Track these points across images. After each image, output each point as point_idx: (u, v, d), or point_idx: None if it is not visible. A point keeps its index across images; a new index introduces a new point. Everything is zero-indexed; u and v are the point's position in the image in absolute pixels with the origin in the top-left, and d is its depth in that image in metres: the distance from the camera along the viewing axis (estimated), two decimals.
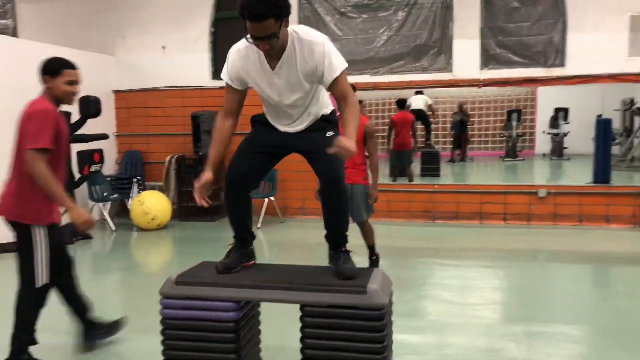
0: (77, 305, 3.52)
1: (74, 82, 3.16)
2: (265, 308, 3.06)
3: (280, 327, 3.30)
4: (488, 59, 7.51)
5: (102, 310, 3.85)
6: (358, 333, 2.51)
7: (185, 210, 8.18)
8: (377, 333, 2.49)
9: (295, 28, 2.54)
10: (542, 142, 15.19)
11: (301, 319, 2.58)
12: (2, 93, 6.57)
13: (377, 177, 4.80)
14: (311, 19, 7.97)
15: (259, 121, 2.90)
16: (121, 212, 8.40)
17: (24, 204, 3.04)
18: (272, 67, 2.56)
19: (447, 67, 7.61)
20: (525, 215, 7.41)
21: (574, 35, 7.16)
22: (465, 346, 3.56)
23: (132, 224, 7.60)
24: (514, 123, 14.22)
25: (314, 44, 2.49)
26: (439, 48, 7.63)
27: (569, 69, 7.22)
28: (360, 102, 10.09)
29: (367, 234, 4.87)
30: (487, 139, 15.71)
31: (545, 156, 14.66)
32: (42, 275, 3.08)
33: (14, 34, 9.20)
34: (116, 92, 8.77)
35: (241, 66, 2.61)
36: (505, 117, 14.75)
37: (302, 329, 2.58)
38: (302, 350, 2.59)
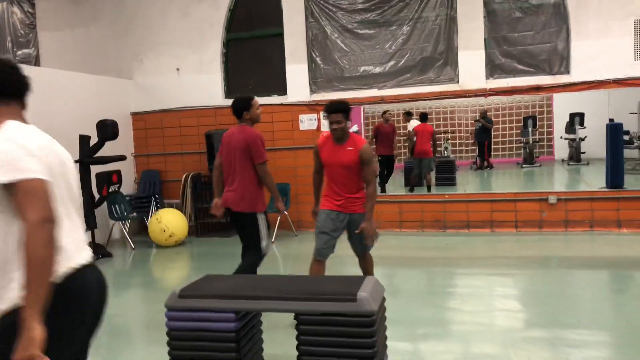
0: None
1: (259, 107, 4.59)
2: (272, 319, 3.22)
3: (285, 337, 3.44)
4: (494, 69, 7.60)
5: (123, 323, 4.06)
6: (349, 339, 2.65)
7: (201, 227, 8.42)
8: (368, 339, 2.63)
9: None
10: (561, 148, 15.11)
11: (296, 327, 2.73)
12: (28, 121, 6.91)
13: (373, 206, 4.16)
14: (319, 37, 8.20)
15: None
16: (141, 230, 8.67)
17: (250, 199, 4.37)
18: None
19: (454, 78, 7.73)
20: (537, 222, 7.44)
21: (579, 42, 7.22)
22: (483, 354, 3.64)
23: (151, 242, 7.85)
24: (530, 129, 14.20)
25: None
26: (444, 60, 7.76)
27: (575, 76, 7.27)
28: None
29: (368, 265, 4.45)
30: (504, 145, 15.69)
31: (563, 162, 14.57)
32: (265, 244, 4.42)
33: (36, 62, 9.65)
34: (134, 114, 9.10)
35: None
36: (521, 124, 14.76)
37: (297, 337, 2.73)
38: (298, 358, 2.74)
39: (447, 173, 10.84)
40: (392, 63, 7.97)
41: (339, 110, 4.05)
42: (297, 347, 2.73)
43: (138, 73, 9.07)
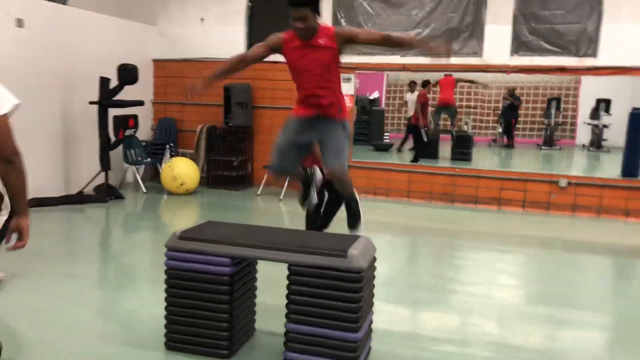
0: None
1: None
2: (268, 271, 3.34)
3: (278, 289, 3.56)
4: (519, 46, 7.47)
5: (129, 262, 4.23)
6: (337, 293, 2.75)
7: (213, 178, 8.56)
8: (354, 294, 2.73)
9: None
10: (584, 133, 14.86)
11: (287, 277, 2.84)
12: (52, 59, 7.02)
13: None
14: (346, 0, 8.10)
15: None
16: (154, 176, 8.84)
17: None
18: None
19: (478, 52, 7.62)
20: (545, 204, 7.44)
21: (610, 25, 7.04)
22: (470, 323, 3.74)
23: (163, 188, 8.02)
24: (553, 111, 13.98)
25: None
26: (470, 32, 7.64)
27: (602, 60, 7.12)
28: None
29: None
30: (525, 126, 15.47)
31: (584, 147, 14.38)
32: None
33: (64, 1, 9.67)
34: (155, 61, 9.16)
35: None
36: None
37: (288, 287, 2.84)
38: (287, 306, 2.85)
39: (464, 148, 10.78)
40: (417, 31, 7.85)
41: (304, 4, 3.31)
42: (287, 296, 2.85)
43: (162, 20, 9.08)
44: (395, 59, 7.92)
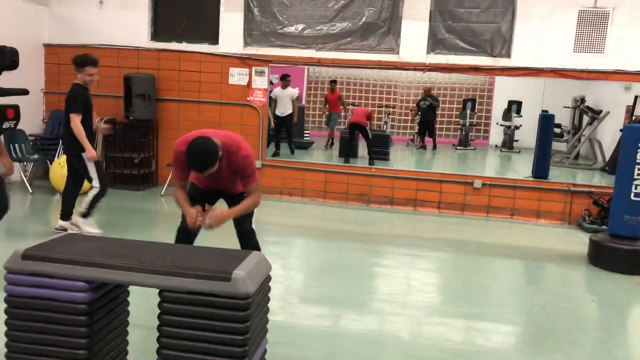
0: None
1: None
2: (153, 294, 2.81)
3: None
4: (435, 44, 7.31)
5: None
6: (219, 323, 2.29)
7: (111, 177, 7.77)
8: (240, 324, 2.28)
9: None
10: (496, 134, 15.26)
11: (158, 304, 2.34)
12: None
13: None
14: None
15: None
16: (45, 174, 7.92)
17: None
18: None
19: (395, 48, 7.38)
20: (460, 205, 7.34)
21: (522, 26, 7.02)
22: (376, 330, 3.48)
23: (54, 188, 7.16)
24: (469, 112, 14.21)
25: None
26: (387, 28, 7.39)
27: (515, 61, 7.10)
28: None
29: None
30: (442, 126, 15.65)
31: (497, 147, 14.74)
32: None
33: None
34: (47, 45, 8.22)
35: None
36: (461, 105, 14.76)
37: (159, 316, 2.34)
38: (158, 340, 2.36)
39: (381, 147, 10.61)
40: (333, 24, 7.51)
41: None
42: (158, 328, 2.35)
43: (55, 1, 8.15)
44: (311, 52, 7.53)
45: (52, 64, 8.24)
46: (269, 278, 2.57)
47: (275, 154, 9.19)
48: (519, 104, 13.92)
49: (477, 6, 7.17)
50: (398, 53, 7.35)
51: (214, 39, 7.76)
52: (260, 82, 7.66)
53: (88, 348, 2.40)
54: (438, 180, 7.43)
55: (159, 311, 2.35)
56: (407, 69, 7.51)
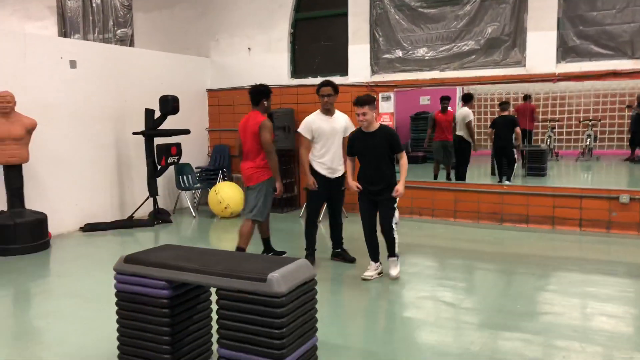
0: None
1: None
2: None
3: None
4: (566, 52, 6.92)
5: None
6: (259, 318, 2.69)
7: None
8: (276, 319, 2.65)
9: None
10: None
11: (217, 301, 2.82)
12: (107, 95, 7.65)
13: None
14: (383, 16, 8.01)
15: None
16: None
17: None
18: None
19: (521, 61, 7.16)
20: (605, 223, 6.73)
21: None
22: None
23: (212, 212, 8.31)
24: None
25: None
26: (512, 41, 7.21)
27: None
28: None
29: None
30: (612, 136, 14.13)
31: None
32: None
33: (131, 41, 10.53)
34: (209, 90, 9.62)
35: None
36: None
37: (217, 311, 2.83)
38: (217, 331, 2.83)
39: (537, 162, 10.10)
40: (455, 44, 7.57)
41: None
42: (217, 321, 2.83)
43: (214, 52, 9.54)
44: (434, 74, 7.66)
45: (214, 106, 9.62)
46: (309, 281, 2.89)
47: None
48: None
49: (612, 7, 6.65)
50: (524, 65, 7.11)
51: (344, 70, 8.34)
52: (387, 107, 8.00)
53: (171, 335, 2.97)
54: (578, 195, 6.92)
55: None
56: (535, 81, 7.18)
